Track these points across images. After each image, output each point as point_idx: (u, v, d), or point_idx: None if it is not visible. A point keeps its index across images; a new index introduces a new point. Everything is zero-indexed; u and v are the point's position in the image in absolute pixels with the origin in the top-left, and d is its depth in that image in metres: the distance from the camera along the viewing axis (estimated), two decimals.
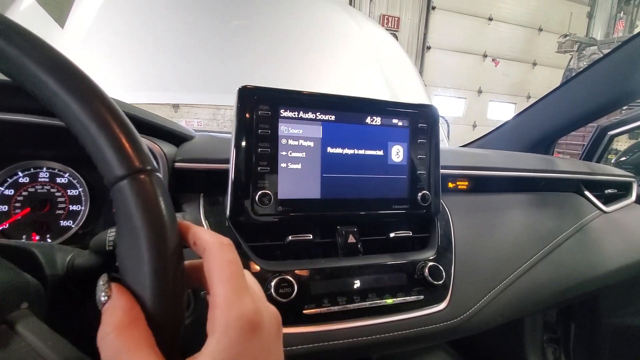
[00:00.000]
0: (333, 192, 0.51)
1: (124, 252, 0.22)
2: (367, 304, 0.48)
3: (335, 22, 1.57)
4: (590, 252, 0.77)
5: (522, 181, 0.79)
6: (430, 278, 0.52)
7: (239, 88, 0.47)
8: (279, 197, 0.48)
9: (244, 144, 0.47)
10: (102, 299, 0.22)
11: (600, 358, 1.04)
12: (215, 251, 0.24)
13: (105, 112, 0.22)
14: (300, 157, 0.49)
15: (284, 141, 0.49)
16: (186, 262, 0.27)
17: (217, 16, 1.40)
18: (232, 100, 0.47)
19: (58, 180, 0.51)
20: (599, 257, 0.78)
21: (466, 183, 0.71)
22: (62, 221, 0.51)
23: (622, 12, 7.74)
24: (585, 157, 1.27)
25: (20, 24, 0.22)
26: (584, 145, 1.30)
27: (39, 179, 0.51)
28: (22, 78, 0.22)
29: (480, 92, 8.20)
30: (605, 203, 0.91)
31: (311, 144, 0.50)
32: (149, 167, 0.23)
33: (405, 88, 1.49)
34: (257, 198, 0.47)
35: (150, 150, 0.46)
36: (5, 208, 0.49)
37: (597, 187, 0.93)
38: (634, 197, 0.99)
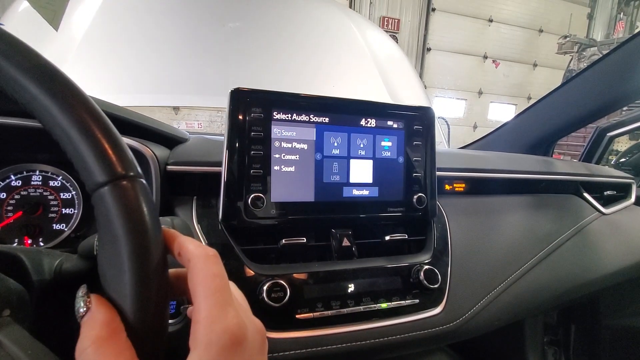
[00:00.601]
0: (327, 194, 0.51)
1: (105, 260, 0.22)
2: (361, 308, 0.48)
3: (335, 25, 1.57)
4: (589, 255, 0.77)
5: (519, 183, 0.78)
6: (425, 282, 0.51)
7: (232, 90, 0.47)
8: (272, 200, 0.48)
9: (236, 146, 0.46)
10: (81, 310, 0.22)
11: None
12: (200, 264, 0.23)
13: (86, 116, 0.22)
14: (293, 159, 0.49)
15: (277, 144, 0.48)
16: (171, 271, 0.26)
17: (216, 19, 1.40)
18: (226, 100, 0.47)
19: (51, 183, 0.51)
20: (597, 259, 0.77)
21: (463, 185, 0.71)
22: (54, 224, 0.51)
23: (622, 13, 7.73)
24: (585, 159, 1.27)
25: None
26: (584, 145, 1.29)
27: (32, 182, 0.50)
28: (1, 82, 0.22)
29: (480, 93, 8.20)
30: (604, 205, 0.90)
31: (305, 146, 0.50)
32: (132, 173, 0.22)
33: (405, 90, 1.48)
34: (250, 201, 0.46)
35: (141, 153, 0.45)
36: None
37: (596, 189, 0.92)
38: (633, 198, 0.99)
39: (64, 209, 0.51)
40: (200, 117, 1.48)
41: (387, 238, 0.55)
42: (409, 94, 1.47)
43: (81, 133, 0.22)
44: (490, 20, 7.84)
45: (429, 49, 7.64)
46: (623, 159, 1.45)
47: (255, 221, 0.47)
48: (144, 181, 0.24)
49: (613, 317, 1.04)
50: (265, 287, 0.43)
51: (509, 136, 1.23)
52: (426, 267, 0.52)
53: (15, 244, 0.48)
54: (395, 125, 0.55)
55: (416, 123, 0.57)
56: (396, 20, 7.32)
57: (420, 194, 0.56)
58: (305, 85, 1.32)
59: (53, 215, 0.51)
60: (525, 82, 8.44)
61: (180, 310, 0.40)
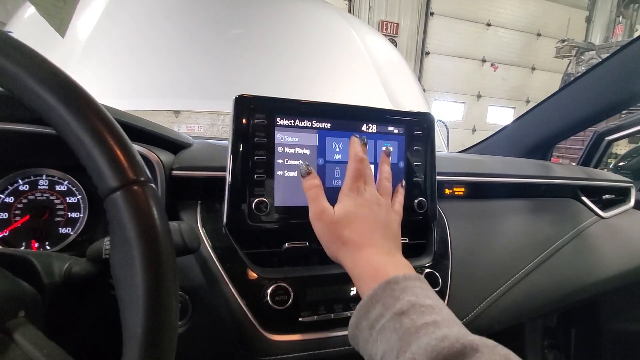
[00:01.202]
0: (329, 199, 0.52)
1: (117, 262, 0.22)
2: None
3: (335, 30, 1.59)
4: (588, 259, 0.77)
5: (519, 187, 0.79)
6: None
7: (236, 97, 0.48)
8: (276, 204, 0.49)
9: (240, 152, 0.47)
10: None
11: None
12: None
13: (100, 124, 0.23)
14: (296, 164, 0.50)
15: (280, 149, 0.49)
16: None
17: (217, 24, 1.42)
18: (230, 107, 0.48)
19: (57, 187, 0.52)
20: (596, 263, 0.78)
21: (463, 189, 0.71)
22: (61, 228, 0.52)
23: (621, 16, 7.77)
24: (583, 163, 1.28)
25: (17, 39, 0.23)
26: (582, 149, 1.30)
27: (39, 187, 0.51)
28: (20, 92, 0.23)
29: (479, 96, 8.24)
30: (603, 209, 0.91)
31: (307, 151, 0.51)
32: (142, 179, 0.23)
33: (404, 94, 1.50)
34: (253, 205, 0.47)
35: (147, 158, 0.46)
36: (5, 215, 0.49)
37: (595, 193, 0.93)
38: (632, 202, 0.99)
39: (70, 213, 0.52)
40: (201, 121, 1.49)
41: None
42: (409, 99, 1.48)
43: (95, 141, 0.23)
44: (489, 24, 7.90)
45: (427, 53, 7.69)
46: (622, 163, 1.46)
47: (258, 225, 0.48)
48: (154, 186, 0.25)
49: (613, 321, 1.05)
50: (269, 290, 0.44)
51: (507, 140, 1.24)
52: (427, 270, 0.53)
53: (22, 248, 0.49)
54: (395, 131, 0.56)
55: (416, 128, 0.58)
56: (395, 24, 7.37)
57: (420, 198, 0.57)
58: (305, 90, 1.33)
59: (59, 219, 0.52)
60: (523, 86, 8.49)
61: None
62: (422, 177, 0.57)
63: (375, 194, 0.45)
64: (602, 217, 0.88)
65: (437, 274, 0.53)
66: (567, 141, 4.09)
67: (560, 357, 1.10)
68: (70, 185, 0.52)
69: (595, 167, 1.25)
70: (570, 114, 1.06)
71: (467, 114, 8.22)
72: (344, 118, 0.53)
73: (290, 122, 0.50)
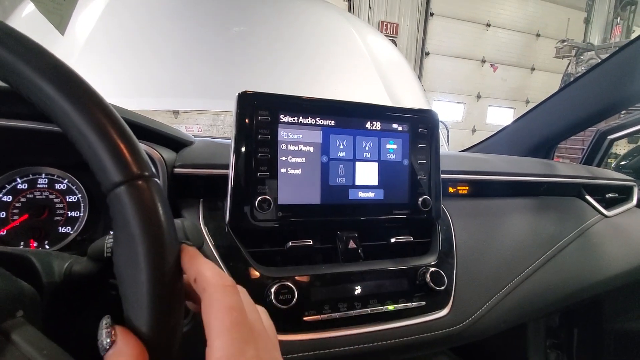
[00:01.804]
0: (333, 197, 0.51)
1: (121, 259, 0.22)
2: (368, 310, 0.48)
3: (335, 29, 1.58)
4: (592, 257, 0.77)
5: (523, 186, 0.79)
6: (431, 284, 0.51)
7: (239, 94, 0.47)
8: (279, 202, 0.48)
9: (243, 149, 0.46)
10: (105, 343, 0.20)
11: None
12: (216, 294, 0.22)
13: (103, 117, 0.22)
14: (300, 162, 0.49)
15: (283, 146, 0.48)
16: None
17: (217, 23, 1.41)
18: (231, 106, 0.47)
19: (57, 186, 0.51)
20: (600, 261, 0.77)
21: (467, 188, 0.71)
22: (60, 227, 0.51)
23: (619, 18, 7.79)
24: (586, 162, 1.27)
25: (16, 29, 0.22)
26: (583, 149, 1.30)
27: (38, 185, 0.50)
28: (18, 83, 0.22)
29: (479, 97, 8.24)
30: (606, 207, 0.90)
31: (311, 149, 0.50)
32: (147, 173, 0.22)
33: (405, 93, 1.49)
34: (256, 203, 0.46)
35: (149, 156, 0.46)
36: (3, 214, 0.49)
37: (598, 192, 0.93)
38: (635, 201, 0.99)
39: (69, 212, 0.51)
40: (201, 121, 1.48)
41: (393, 240, 0.56)
42: (410, 97, 1.48)
43: (97, 134, 0.22)
44: (488, 25, 7.90)
45: (427, 53, 7.69)
46: (623, 162, 1.46)
47: (261, 224, 0.47)
48: (158, 181, 0.24)
49: (616, 320, 1.04)
50: (272, 290, 0.43)
51: (509, 139, 1.24)
52: (432, 269, 0.52)
53: (21, 247, 0.48)
54: (400, 128, 0.56)
55: (420, 126, 0.57)
56: (395, 25, 7.37)
57: (425, 196, 0.56)
58: (306, 89, 1.32)
59: (59, 218, 0.51)
60: (523, 86, 8.50)
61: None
62: (426, 175, 0.57)
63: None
64: (605, 216, 0.88)
65: (442, 273, 0.53)
66: (567, 141, 4.09)
67: (563, 356, 1.10)
68: (70, 184, 0.52)
69: (598, 165, 1.25)
70: (570, 114, 1.06)
71: (467, 115, 8.22)
72: (348, 115, 0.52)
73: (294, 119, 0.49)
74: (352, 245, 0.52)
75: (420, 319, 0.50)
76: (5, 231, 0.48)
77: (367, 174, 0.53)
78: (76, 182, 0.52)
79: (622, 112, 2.75)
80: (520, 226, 0.71)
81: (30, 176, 0.50)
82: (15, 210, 0.49)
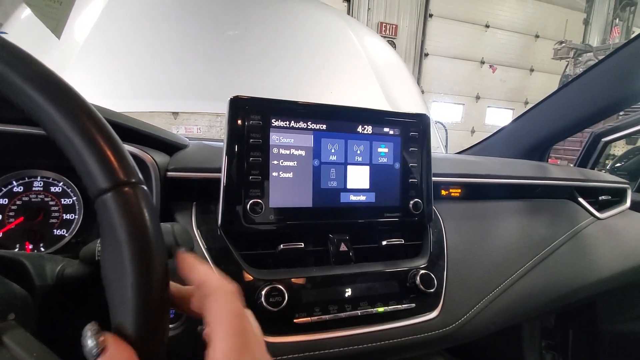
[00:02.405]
0: (324, 200, 0.52)
1: (107, 264, 0.22)
2: (358, 312, 0.48)
3: (333, 32, 1.59)
4: (584, 259, 0.77)
5: (515, 188, 0.79)
6: (422, 286, 0.52)
7: (231, 98, 0.48)
8: (271, 205, 0.49)
9: (235, 153, 0.47)
10: (94, 351, 0.20)
11: None
12: (220, 300, 0.23)
13: (89, 124, 0.23)
14: (291, 166, 0.50)
15: (275, 150, 0.49)
16: (172, 284, 0.27)
17: (216, 25, 1.42)
18: (225, 108, 0.48)
19: (52, 189, 0.52)
20: (592, 263, 0.78)
21: (459, 190, 0.71)
22: (55, 230, 0.51)
23: (618, 19, 7.80)
24: (580, 164, 1.28)
25: (5, 38, 0.23)
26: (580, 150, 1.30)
27: (33, 188, 0.51)
28: (7, 91, 0.22)
29: (478, 98, 8.25)
30: (599, 210, 0.91)
31: (302, 152, 0.51)
32: (133, 180, 0.23)
33: (402, 96, 1.50)
34: (248, 207, 0.47)
35: (142, 160, 0.46)
36: None
37: (591, 194, 0.93)
38: (628, 203, 1.00)
39: (64, 215, 0.52)
40: (200, 122, 1.49)
41: (384, 243, 0.56)
42: (407, 100, 1.49)
43: (84, 140, 0.22)
44: (487, 26, 7.92)
45: (426, 54, 7.70)
46: (618, 164, 1.47)
47: (253, 226, 0.48)
48: (146, 187, 0.25)
49: (611, 321, 1.05)
50: (263, 292, 0.44)
51: (505, 141, 1.24)
52: (422, 271, 0.53)
53: (16, 250, 0.49)
54: (391, 132, 0.56)
55: (412, 130, 0.58)
56: (394, 26, 7.38)
57: (416, 200, 0.57)
58: (303, 92, 1.33)
59: (54, 220, 0.51)
60: (522, 87, 8.51)
61: (179, 316, 0.40)
62: (417, 179, 0.58)
63: None
64: (598, 218, 0.88)
65: (433, 275, 0.53)
66: (565, 142, 4.10)
67: (558, 357, 1.10)
68: (65, 187, 0.52)
69: (592, 168, 1.26)
70: (567, 115, 1.07)
71: (465, 116, 8.23)
72: (340, 119, 0.53)
73: (286, 123, 0.50)
74: (343, 248, 0.53)
75: (409, 320, 0.51)
76: (0, 234, 0.49)
77: (358, 177, 0.54)
78: (71, 185, 0.52)
79: (620, 113, 2.76)
80: (512, 229, 0.72)
81: (26, 179, 0.51)
82: (11, 213, 0.50)
